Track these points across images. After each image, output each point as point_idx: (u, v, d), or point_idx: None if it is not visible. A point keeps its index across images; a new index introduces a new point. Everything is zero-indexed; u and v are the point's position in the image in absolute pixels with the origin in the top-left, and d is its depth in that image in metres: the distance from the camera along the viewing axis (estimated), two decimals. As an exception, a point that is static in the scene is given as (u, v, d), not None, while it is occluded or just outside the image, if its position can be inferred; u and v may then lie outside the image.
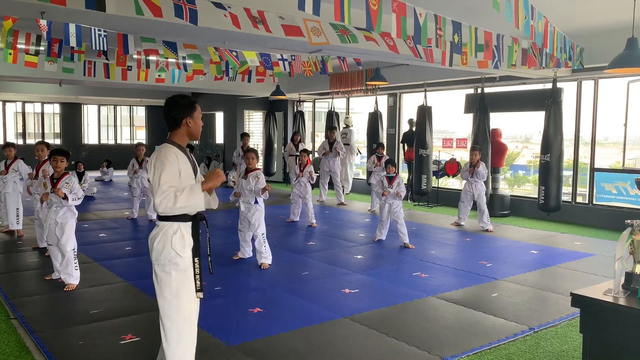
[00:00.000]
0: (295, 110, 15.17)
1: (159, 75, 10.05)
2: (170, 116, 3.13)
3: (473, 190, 8.96)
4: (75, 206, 5.54)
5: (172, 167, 2.99)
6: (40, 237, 6.80)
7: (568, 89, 9.55)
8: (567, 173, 9.74)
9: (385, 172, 7.85)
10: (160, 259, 3.03)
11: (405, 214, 7.91)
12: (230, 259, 6.72)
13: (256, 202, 6.38)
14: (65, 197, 5.33)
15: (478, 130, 10.23)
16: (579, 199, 9.97)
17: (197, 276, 3.07)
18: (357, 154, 13.38)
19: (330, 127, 11.98)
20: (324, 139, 11.97)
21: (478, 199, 8.92)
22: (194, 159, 3.26)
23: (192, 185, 3.02)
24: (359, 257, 6.99)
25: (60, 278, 5.57)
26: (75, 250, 5.54)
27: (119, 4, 4.26)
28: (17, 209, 8.00)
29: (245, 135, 11.42)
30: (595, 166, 9.71)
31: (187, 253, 3.04)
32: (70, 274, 5.45)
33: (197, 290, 3.07)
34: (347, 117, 13.52)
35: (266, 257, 6.38)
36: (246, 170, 6.47)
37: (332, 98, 13.79)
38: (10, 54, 7.38)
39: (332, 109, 13.84)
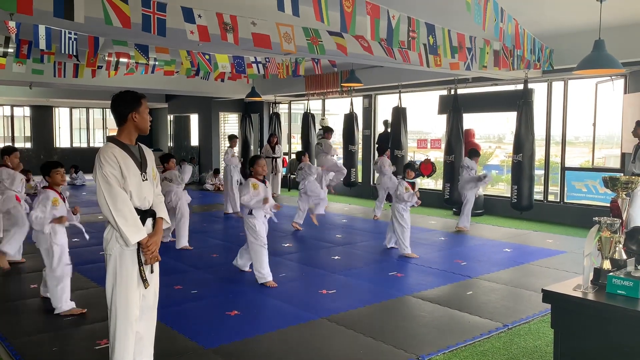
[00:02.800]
0: (271, 112, 15.12)
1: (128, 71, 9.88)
2: (117, 112, 3.14)
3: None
4: None
5: (110, 167, 3.02)
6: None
7: (539, 90, 9.72)
8: (538, 172, 9.93)
9: (402, 177, 7.24)
10: (107, 249, 3.12)
11: (382, 215, 7.98)
12: (206, 263, 6.67)
13: (250, 212, 5.75)
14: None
15: (452, 130, 10.34)
16: (551, 198, 10.17)
17: (142, 267, 3.12)
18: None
19: (328, 128, 11.66)
20: (324, 139, 11.44)
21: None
22: (143, 154, 3.22)
23: (140, 228, 3.07)
24: (336, 257, 7.01)
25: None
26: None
27: (88, 12, 4.21)
28: None
29: (235, 137, 11.24)
30: (566, 165, 9.92)
31: (132, 246, 3.09)
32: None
33: (143, 280, 3.12)
34: (323, 119, 13.54)
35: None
36: (263, 178, 5.86)
37: (308, 100, 13.80)
38: (-24, 56, 7.19)
39: (308, 111, 13.85)
